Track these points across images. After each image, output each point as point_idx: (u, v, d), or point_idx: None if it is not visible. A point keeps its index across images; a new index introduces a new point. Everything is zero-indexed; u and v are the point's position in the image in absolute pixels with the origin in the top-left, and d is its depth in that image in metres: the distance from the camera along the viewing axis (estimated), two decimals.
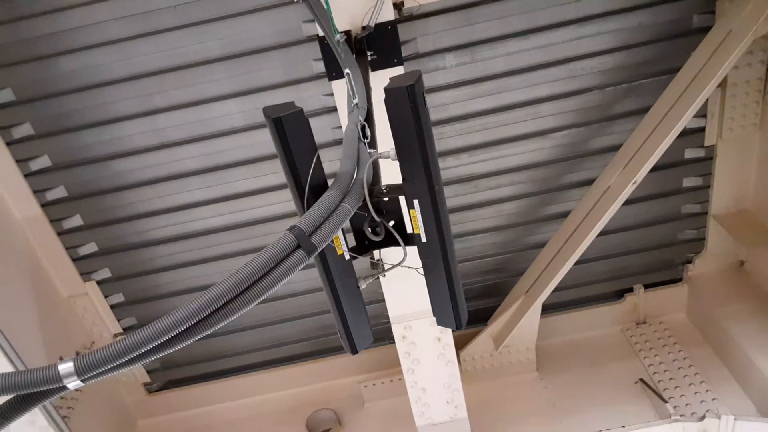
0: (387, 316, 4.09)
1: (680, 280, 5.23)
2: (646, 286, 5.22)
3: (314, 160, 1.77)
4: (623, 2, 4.15)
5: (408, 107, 1.69)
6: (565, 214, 4.78)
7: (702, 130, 4.55)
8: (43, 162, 4.45)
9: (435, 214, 1.85)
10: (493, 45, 4.25)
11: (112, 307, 5.03)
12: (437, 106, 4.40)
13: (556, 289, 4.63)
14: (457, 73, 4.33)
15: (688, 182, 4.78)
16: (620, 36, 4.26)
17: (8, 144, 4.33)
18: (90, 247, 4.79)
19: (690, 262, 5.12)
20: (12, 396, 1.37)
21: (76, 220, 4.68)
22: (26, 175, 4.44)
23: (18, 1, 3.94)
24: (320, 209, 1.60)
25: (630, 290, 5.25)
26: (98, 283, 4.91)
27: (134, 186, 4.59)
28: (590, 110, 4.50)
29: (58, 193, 4.56)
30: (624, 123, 4.52)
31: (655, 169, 4.22)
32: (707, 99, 4.19)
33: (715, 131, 4.52)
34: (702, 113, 4.44)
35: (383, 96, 1.75)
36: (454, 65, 4.30)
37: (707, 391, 4.60)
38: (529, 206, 4.87)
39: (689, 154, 4.66)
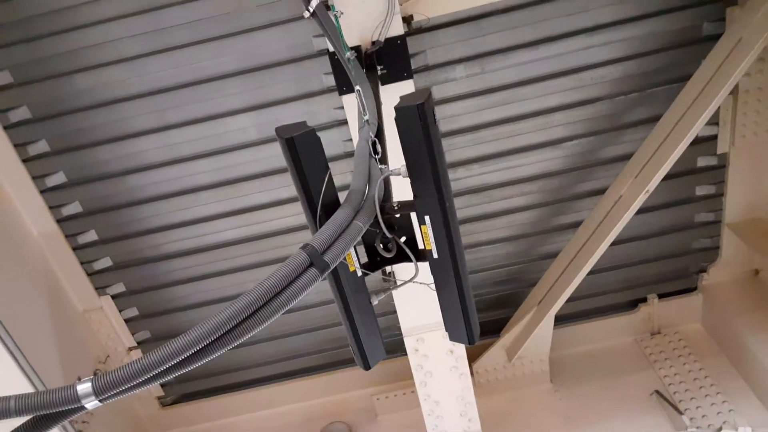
0: (399, 328, 4.09)
1: (695, 289, 5.18)
2: (661, 296, 5.18)
3: (326, 179, 1.78)
4: (633, 11, 4.15)
5: (418, 126, 1.70)
6: (577, 224, 4.76)
7: (714, 138, 4.52)
8: (58, 178, 4.52)
9: (446, 231, 1.85)
10: (503, 56, 4.26)
11: (126, 320, 5.07)
12: (448, 117, 4.42)
13: (569, 300, 4.61)
14: (467, 85, 4.35)
15: (701, 191, 4.75)
16: (630, 45, 4.25)
17: (24, 161, 4.40)
18: (105, 262, 4.84)
19: (704, 271, 5.08)
20: (31, 416, 1.38)
21: (91, 235, 4.73)
22: (42, 191, 4.51)
23: (35, 20, 4.02)
24: (332, 227, 1.61)
25: (644, 300, 5.21)
26: (113, 297, 4.96)
27: (148, 201, 4.64)
28: (601, 119, 4.49)
29: (74, 208, 4.62)
30: (635, 132, 4.51)
31: (667, 177, 4.21)
32: (719, 107, 4.17)
33: (728, 139, 4.49)
34: (714, 121, 4.42)
35: (394, 113, 1.77)
36: (464, 76, 4.32)
37: (723, 402, 4.54)
38: (540, 216, 4.86)
39: (702, 162, 4.63)
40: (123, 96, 4.29)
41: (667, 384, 4.81)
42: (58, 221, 4.63)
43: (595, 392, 4.89)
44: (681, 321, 5.23)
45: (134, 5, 4.00)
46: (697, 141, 4.37)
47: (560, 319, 4.94)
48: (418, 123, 1.69)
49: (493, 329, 5.13)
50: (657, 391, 4.72)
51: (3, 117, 4.27)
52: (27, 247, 4.53)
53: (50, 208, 4.57)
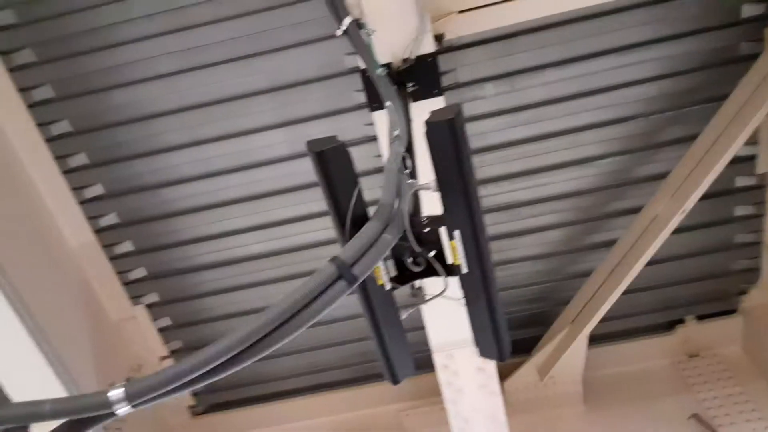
0: (427, 344, 4.06)
1: (735, 311, 5.02)
2: (699, 318, 5.04)
3: (356, 193, 1.79)
4: (669, 30, 4.09)
5: (449, 141, 1.70)
6: (610, 243, 4.67)
7: (753, 158, 4.41)
8: (97, 190, 4.63)
9: (476, 246, 1.84)
10: (533, 74, 4.24)
11: (159, 330, 5.15)
12: (477, 134, 4.41)
13: (603, 320, 4.52)
14: (496, 102, 4.33)
15: (739, 211, 4.62)
16: (666, 64, 4.19)
17: (65, 173, 4.53)
18: (140, 272, 4.93)
19: (744, 293, 4.93)
20: (64, 421, 1.41)
21: (127, 246, 4.84)
22: (81, 203, 4.63)
23: (76, 38, 4.17)
24: (361, 240, 1.61)
25: (681, 321, 5.07)
26: (147, 306, 5.04)
27: (181, 213, 4.73)
28: (635, 138, 4.42)
29: (111, 219, 4.73)
30: (670, 151, 4.42)
31: (705, 197, 4.11)
32: (758, 126, 4.07)
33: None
34: (753, 141, 4.31)
35: (424, 127, 1.78)
36: (494, 94, 4.31)
37: (766, 428, 4.38)
38: (573, 234, 4.79)
39: (740, 182, 4.51)
40: (158, 111, 4.39)
41: (706, 408, 4.66)
42: (96, 232, 4.74)
43: (630, 415, 4.76)
44: (720, 343, 5.07)
45: (169, 24, 4.11)
46: (736, 161, 4.24)
47: (594, 339, 4.83)
48: (449, 138, 1.70)
49: (524, 348, 5.05)
50: (695, 415, 4.58)
51: (45, 130, 4.41)
52: (65, 256, 4.64)
53: (88, 218, 4.69)
